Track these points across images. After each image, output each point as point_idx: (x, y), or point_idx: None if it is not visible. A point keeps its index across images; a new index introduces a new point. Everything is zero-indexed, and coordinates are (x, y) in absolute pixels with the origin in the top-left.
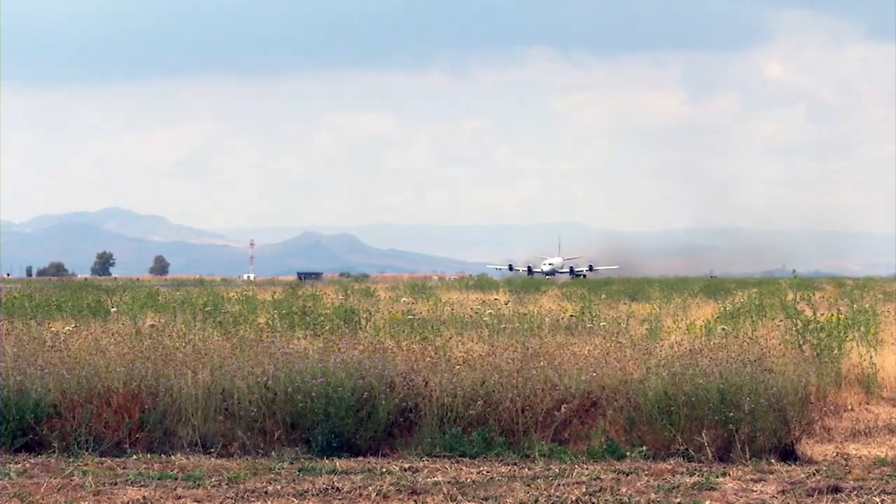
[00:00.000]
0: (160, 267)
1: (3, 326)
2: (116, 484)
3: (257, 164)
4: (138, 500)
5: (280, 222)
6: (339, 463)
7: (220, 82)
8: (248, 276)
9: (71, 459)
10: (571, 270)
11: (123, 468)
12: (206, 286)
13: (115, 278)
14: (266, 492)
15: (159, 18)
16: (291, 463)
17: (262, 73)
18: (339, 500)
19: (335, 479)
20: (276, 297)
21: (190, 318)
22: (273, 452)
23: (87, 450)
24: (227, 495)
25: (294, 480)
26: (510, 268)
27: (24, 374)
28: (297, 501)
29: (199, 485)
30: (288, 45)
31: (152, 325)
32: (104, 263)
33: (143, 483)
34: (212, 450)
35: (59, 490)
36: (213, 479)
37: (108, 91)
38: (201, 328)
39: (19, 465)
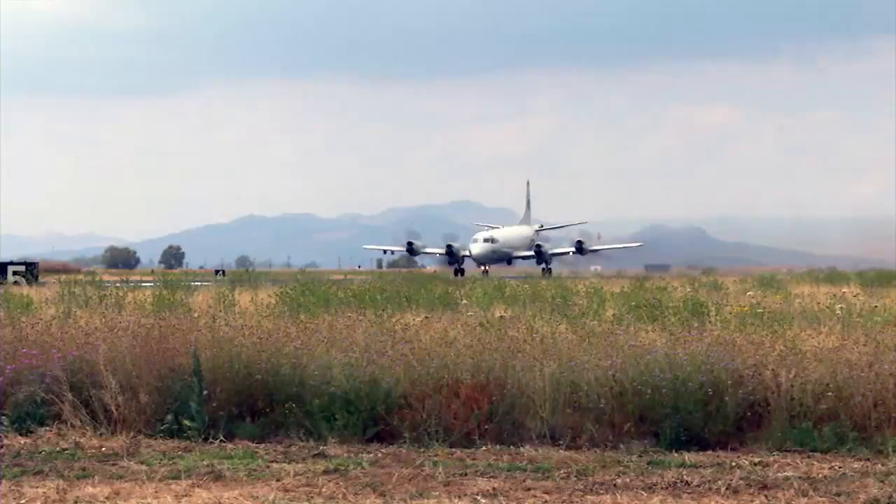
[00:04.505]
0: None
1: (355, 317)
2: (466, 475)
3: (601, 157)
4: (488, 490)
5: (626, 214)
6: (688, 456)
7: (565, 75)
8: (595, 269)
9: (421, 450)
10: (539, 252)
11: (473, 459)
12: (554, 279)
13: (462, 270)
14: (615, 484)
15: (505, 11)
16: (640, 456)
17: (607, 65)
18: (689, 493)
19: (684, 472)
20: (623, 289)
21: (538, 310)
22: (621, 445)
23: (437, 440)
24: (576, 487)
25: (643, 473)
26: (409, 249)
27: (376, 364)
28: (645, 495)
29: (547, 477)
30: (632, 37)
31: (501, 317)
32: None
33: (492, 474)
34: (560, 442)
35: (409, 480)
36: (561, 472)
37: (456, 84)
38: (549, 320)
39: (371, 455)
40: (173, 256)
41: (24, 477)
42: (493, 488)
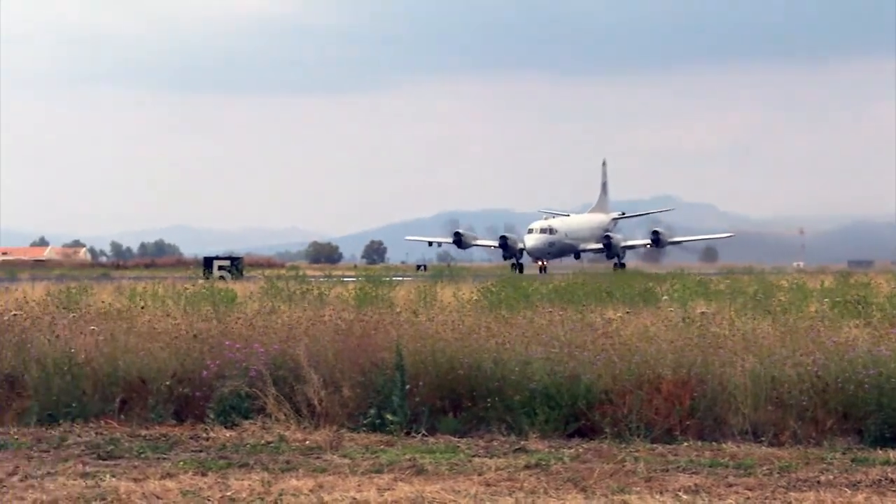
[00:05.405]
0: (710, 255)
1: (556, 312)
2: (668, 471)
3: (804, 151)
4: (690, 486)
5: (828, 210)
6: (893, 454)
7: (766, 69)
8: (797, 264)
9: (622, 445)
10: (608, 244)
11: (674, 455)
12: (756, 274)
13: (664, 266)
14: (818, 482)
15: (705, 4)
16: (843, 453)
17: (810, 58)
18: (894, 492)
19: (889, 470)
20: (826, 285)
21: (740, 306)
22: (825, 442)
23: (638, 436)
24: (779, 484)
25: (846, 471)
26: (457, 240)
27: (577, 360)
28: (849, 492)
29: (750, 473)
30: (833, 30)
31: (702, 313)
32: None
33: (694, 470)
34: (762, 438)
35: (611, 475)
36: (764, 468)
37: (655, 79)
38: (751, 316)
39: (572, 450)
40: (375, 251)
41: (229, 469)
42: (695, 484)
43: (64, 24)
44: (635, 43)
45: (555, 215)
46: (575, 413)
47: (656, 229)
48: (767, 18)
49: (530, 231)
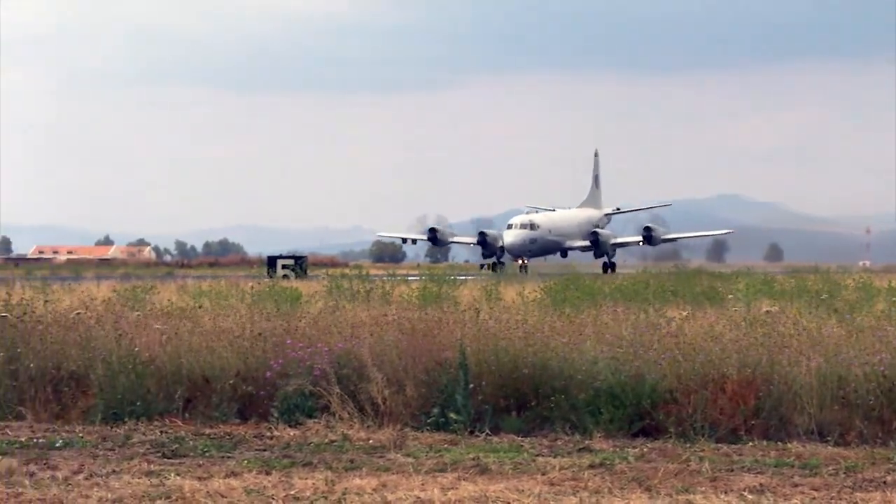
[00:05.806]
0: (774, 254)
1: (622, 312)
2: (733, 470)
3: (861, 150)
4: (755, 486)
5: (894, 209)
6: None
7: (825, 70)
8: (863, 264)
9: (687, 445)
10: (595, 242)
11: (739, 455)
12: (822, 273)
13: (729, 265)
14: (884, 482)
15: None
16: None
17: (876, 56)
18: None
19: None
20: (893, 284)
21: (804, 305)
22: (891, 442)
23: (702, 436)
24: (845, 484)
25: None
26: (432, 237)
27: (642, 359)
28: None
29: (815, 473)
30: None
31: (767, 312)
32: (718, 250)
33: (759, 470)
34: (828, 438)
35: (675, 475)
36: (829, 468)
37: (714, 76)
38: (816, 315)
39: (637, 450)
40: (439, 250)
41: (293, 468)
42: (760, 484)
43: (129, 22)
44: (702, 41)
45: (537, 210)
46: (639, 412)
47: (648, 225)
48: (832, 17)
49: (510, 226)
